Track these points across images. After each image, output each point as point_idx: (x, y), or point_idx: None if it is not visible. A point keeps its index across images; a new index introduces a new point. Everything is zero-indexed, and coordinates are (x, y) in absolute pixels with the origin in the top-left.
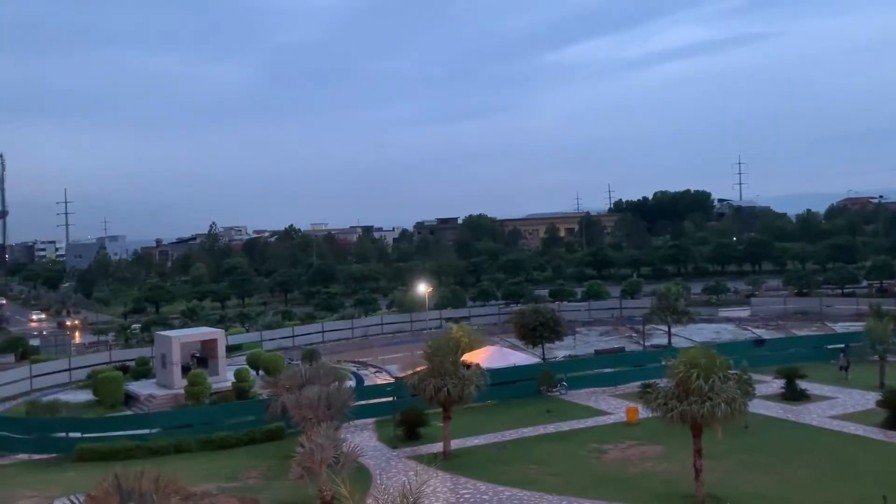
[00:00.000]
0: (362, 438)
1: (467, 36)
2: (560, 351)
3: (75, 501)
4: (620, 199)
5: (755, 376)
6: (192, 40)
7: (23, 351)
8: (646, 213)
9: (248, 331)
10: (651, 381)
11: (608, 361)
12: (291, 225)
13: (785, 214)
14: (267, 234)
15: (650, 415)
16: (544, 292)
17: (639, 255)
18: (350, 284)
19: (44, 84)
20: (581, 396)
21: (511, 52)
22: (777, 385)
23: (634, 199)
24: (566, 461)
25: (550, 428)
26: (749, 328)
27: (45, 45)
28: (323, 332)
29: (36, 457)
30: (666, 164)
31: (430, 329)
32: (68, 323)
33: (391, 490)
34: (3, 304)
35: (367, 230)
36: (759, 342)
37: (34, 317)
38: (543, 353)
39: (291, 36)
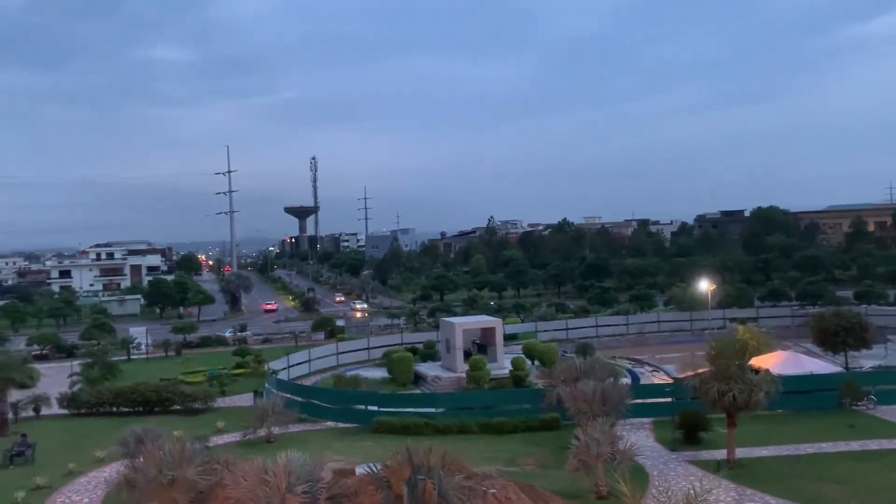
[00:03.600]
0: (639, 437)
1: (754, 14)
2: (867, 360)
3: (374, 469)
4: None
5: None
6: (472, 43)
7: (331, 330)
8: None
9: (523, 321)
10: None
11: None
12: (564, 218)
13: None
14: (541, 228)
15: None
16: (848, 293)
17: None
18: (624, 279)
19: (345, 92)
20: (894, 413)
21: (804, 29)
22: None
23: None
24: (873, 484)
25: (854, 445)
26: None
27: (345, 58)
28: (596, 326)
29: (341, 425)
30: None
31: (713, 329)
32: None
33: (671, 493)
34: (341, 301)
35: (643, 223)
36: None
37: (357, 305)
38: (846, 362)
39: (567, 30)
